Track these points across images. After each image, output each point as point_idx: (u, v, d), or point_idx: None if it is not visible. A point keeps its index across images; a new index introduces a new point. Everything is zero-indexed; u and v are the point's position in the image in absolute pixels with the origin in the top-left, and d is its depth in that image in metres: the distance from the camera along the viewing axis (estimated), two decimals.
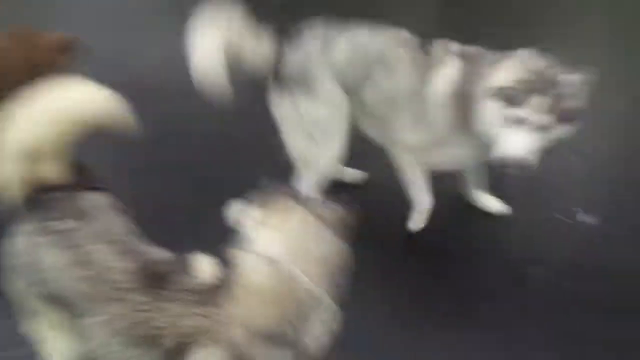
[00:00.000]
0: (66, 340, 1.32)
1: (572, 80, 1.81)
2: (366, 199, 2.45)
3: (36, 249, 1.16)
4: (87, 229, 1.14)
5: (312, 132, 2.23)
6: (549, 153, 2.00)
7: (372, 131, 2.46)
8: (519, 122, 1.82)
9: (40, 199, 1.18)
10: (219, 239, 1.31)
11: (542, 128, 1.82)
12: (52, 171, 1.22)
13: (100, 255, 1.11)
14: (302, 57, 2.19)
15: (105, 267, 1.10)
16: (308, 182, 2.34)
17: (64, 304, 1.18)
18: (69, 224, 1.15)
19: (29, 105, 1.16)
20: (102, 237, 1.14)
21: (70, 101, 1.22)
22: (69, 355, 1.37)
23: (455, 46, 2.11)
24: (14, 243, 1.20)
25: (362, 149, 2.59)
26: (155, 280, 1.09)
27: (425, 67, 2.06)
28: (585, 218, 2.71)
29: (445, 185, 2.66)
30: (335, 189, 2.50)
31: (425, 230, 2.62)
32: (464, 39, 2.19)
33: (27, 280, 1.22)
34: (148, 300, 1.06)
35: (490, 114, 1.87)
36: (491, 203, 2.72)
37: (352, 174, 2.80)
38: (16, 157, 1.15)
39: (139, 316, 1.06)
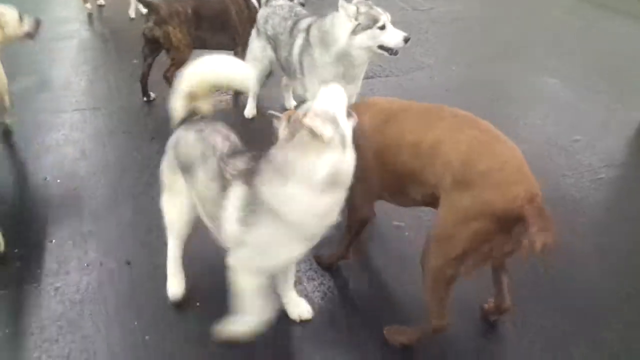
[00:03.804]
0: (185, 205, 1.98)
1: None
2: None
3: (181, 134, 1.96)
4: (209, 128, 1.92)
5: None
6: None
7: None
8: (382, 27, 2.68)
9: (191, 119, 2.00)
10: None
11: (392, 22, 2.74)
12: (201, 106, 2.02)
13: (212, 138, 1.87)
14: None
15: (213, 144, 1.84)
16: None
17: (187, 171, 1.89)
18: (201, 125, 1.95)
19: (194, 67, 1.95)
20: (215, 132, 1.90)
21: (218, 69, 1.98)
22: (187, 220, 2.03)
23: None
24: (175, 135, 1.99)
25: None
26: (234, 153, 1.82)
27: None
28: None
29: None
30: None
31: None
32: None
33: (174, 154, 1.96)
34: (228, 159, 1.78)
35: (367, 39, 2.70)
36: None
37: None
38: (183, 95, 1.96)
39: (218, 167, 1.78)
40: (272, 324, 1.85)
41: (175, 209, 2.04)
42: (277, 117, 1.65)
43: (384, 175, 1.94)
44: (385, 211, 2.70)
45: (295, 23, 3.00)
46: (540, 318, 2.18)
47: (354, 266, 2.38)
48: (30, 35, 3.18)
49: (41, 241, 2.42)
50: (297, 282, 2.25)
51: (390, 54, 2.74)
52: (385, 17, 2.68)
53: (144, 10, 5.07)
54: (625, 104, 3.99)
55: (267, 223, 1.61)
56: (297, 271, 2.29)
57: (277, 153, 1.60)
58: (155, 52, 3.64)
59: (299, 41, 2.91)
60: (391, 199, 2.09)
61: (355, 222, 2.16)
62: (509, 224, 1.63)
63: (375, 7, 2.70)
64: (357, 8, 2.66)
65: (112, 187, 2.82)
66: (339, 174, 1.55)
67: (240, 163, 1.74)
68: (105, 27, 5.18)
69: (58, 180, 2.84)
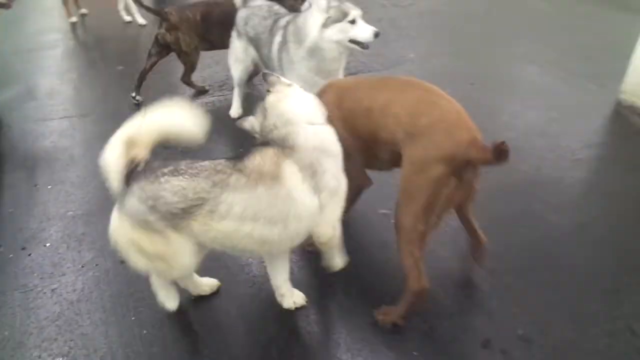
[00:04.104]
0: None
1: None
2: None
3: (154, 191, 1.72)
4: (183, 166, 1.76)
5: None
6: None
7: None
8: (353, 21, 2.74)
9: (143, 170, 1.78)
10: None
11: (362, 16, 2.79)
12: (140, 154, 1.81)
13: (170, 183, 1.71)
14: None
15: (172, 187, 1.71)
16: None
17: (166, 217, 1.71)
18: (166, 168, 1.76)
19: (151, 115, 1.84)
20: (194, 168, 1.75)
21: (169, 120, 1.86)
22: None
23: None
24: (135, 199, 1.74)
25: None
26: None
27: None
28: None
29: None
30: None
31: None
32: None
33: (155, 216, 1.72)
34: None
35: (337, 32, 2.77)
36: None
37: None
38: (121, 143, 1.80)
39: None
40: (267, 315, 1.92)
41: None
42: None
43: (355, 143, 2.11)
44: (371, 199, 2.78)
45: (275, 22, 3.07)
46: (523, 291, 2.26)
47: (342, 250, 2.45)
48: (5, 5, 3.25)
49: (36, 245, 2.47)
50: (290, 272, 2.32)
51: (362, 48, 2.81)
52: (355, 12, 2.75)
53: (140, 20, 5.16)
54: (601, 87, 4.09)
55: None
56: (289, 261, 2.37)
57: None
58: (162, 55, 3.81)
59: (277, 38, 2.98)
60: (370, 164, 2.27)
61: (352, 189, 2.17)
62: (460, 165, 1.86)
63: (347, 2, 2.78)
64: (328, 2, 2.73)
65: (102, 190, 2.83)
66: None
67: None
68: (89, 35, 5.23)
69: (49, 187, 2.89)
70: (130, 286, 2.23)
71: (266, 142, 1.82)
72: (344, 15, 2.74)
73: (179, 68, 4.33)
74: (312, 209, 1.80)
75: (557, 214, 2.74)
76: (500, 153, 1.76)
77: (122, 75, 4.34)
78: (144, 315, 2.10)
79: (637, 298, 2.24)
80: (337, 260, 2.13)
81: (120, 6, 5.45)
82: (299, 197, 1.76)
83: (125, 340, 1.99)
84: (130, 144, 1.78)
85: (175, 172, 1.70)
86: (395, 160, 2.06)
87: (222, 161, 1.76)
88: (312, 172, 1.79)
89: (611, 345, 2.04)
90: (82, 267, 2.34)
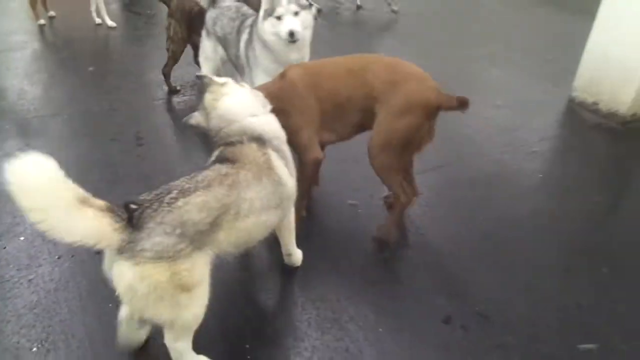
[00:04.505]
0: None
1: None
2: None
3: None
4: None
5: None
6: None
7: None
8: (279, 17, 2.74)
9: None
10: None
11: (295, 14, 2.74)
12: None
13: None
14: None
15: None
16: None
17: (194, 239, 1.62)
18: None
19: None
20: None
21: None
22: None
23: None
24: None
25: None
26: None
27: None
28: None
29: None
30: None
31: None
32: None
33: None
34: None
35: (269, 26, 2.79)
36: None
37: None
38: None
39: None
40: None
41: None
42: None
43: (326, 110, 2.36)
44: (340, 191, 2.92)
45: (242, 22, 3.16)
46: (481, 272, 2.42)
47: (314, 239, 2.57)
48: None
49: (11, 239, 2.50)
50: (263, 278, 2.44)
51: (289, 42, 2.75)
52: (284, 9, 2.72)
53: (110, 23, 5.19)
54: (555, 85, 4.33)
55: None
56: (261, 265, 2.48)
57: None
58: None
59: (244, 36, 3.07)
60: (332, 133, 2.47)
61: (309, 164, 2.43)
62: (432, 110, 2.28)
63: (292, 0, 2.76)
64: None
65: (78, 184, 2.91)
66: None
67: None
68: (58, 37, 5.23)
69: None
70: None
71: (230, 142, 1.90)
72: (272, 10, 2.75)
73: (152, 68, 4.40)
74: (294, 189, 2.02)
75: (514, 202, 2.93)
76: (463, 102, 2.25)
77: (93, 75, 4.37)
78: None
79: (584, 277, 2.43)
80: (298, 254, 2.37)
81: (92, 8, 5.46)
82: (287, 181, 1.95)
83: (103, 326, 2.05)
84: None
85: (186, 192, 1.63)
86: (364, 122, 2.41)
87: (219, 165, 1.79)
88: (284, 158, 1.96)
89: (561, 319, 2.21)
90: (58, 258, 2.39)
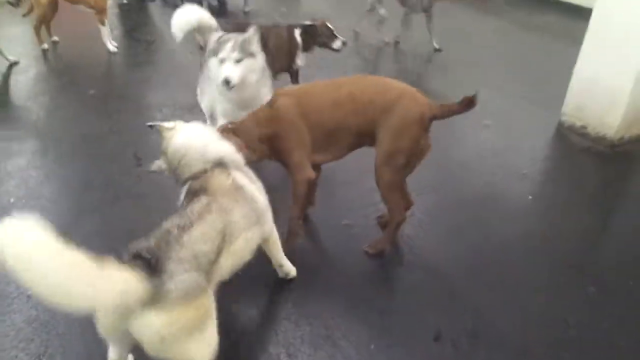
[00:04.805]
0: None
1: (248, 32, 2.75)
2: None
3: None
4: None
5: None
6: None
7: None
8: (222, 61, 2.73)
9: None
10: None
11: (237, 61, 2.72)
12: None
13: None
14: None
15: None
16: None
17: (207, 269, 1.69)
18: None
19: None
20: None
21: None
22: None
23: None
24: None
25: None
26: None
27: None
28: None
29: None
30: None
31: None
32: None
33: None
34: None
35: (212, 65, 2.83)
36: None
37: None
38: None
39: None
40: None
41: None
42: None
43: (316, 137, 2.47)
44: (334, 212, 2.99)
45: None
46: (471, 290, 2.48)
47: (309, 258, 2.63)
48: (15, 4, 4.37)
49: None
50: (257, 294, 2.48)
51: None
52: (225, 55, 2.69)
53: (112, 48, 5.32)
54: (545, 110, 4.44)
55: None
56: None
57: None
58: None
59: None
60: (325, 154, 2.56)
61: (302, 183, 2.49)
62: (426, 124, 2.41)
63: (239, 43, 2.70)
64: (221, 35, 2.88)
65: (77, 203, 2.99)
66: None
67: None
68: (60, 62, 5.34)
69: (23, 201, 2.98)
70: None
71: (194, 175, 1.95)
72: (215, 52, 2.75)
73: (151, 91, 4.50)
74: (266, 203, 2.09)
75: (504, 222, 3.00)
76: (468, 103, 2.38)
77: (94, 99, 4.47)
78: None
79: (570, 294, 2.50)
80: (289, 264, 2.45)
81: (105, 35, 5.59)
82: (257, 197, 2.03)
83: (100, 340, 2.07)
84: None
85: (185, 227, 1.65)
86: (357, 144, 2.56)
87: (196, 198, 1.81)
88: (248, 177, 2.05)
89: (549, 335, 2.26)
90: None
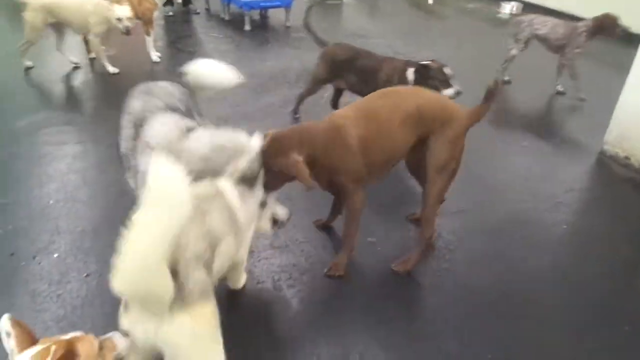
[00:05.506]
0: None
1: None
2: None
3: None
4: None
5: None
6: None
7: None
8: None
9: None
10: None
11: None
12: None
13: None
14: None
15: None
16: None
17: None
18: None
19: None
20: None
21: None
22: None
23: None
24: None
25: None
26: None
27: None
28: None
29: None
30: None
31: None
32: None
33: None
34: None
35: None
36: None
37: None
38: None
39: None
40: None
41: None
42: None
43: (373, 164, 2.46)
44: (360, 229, 2.97)
45: None
46: (494, 321, 2.42)
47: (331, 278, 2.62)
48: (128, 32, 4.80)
49: (46, 256, 2.66)
50: (278, 289, 2.50)
51: None
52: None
53: (155, 58, 5.52)
54: (587, 137, 4.32)
55: None
56: (277, 280, 2.55)
57: None
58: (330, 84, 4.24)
59: None
60: (373, 178, 2.58)
61: (357, 207, 2.53)
62: (466, 132, 2.56)
63: None
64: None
65: (110, 208, 3.08)
66: None
67: None
68: (105, 70, 5.54)
69: (61, 204, 3.10)
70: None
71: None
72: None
73: None
74: (246, 226, 2.10)
75: (534, 251, 2.92)
76: (491, 94, 2.51)
77: None
78: None
79: (600, 334, 2.39)
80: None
81: (150, 46, 5.83)
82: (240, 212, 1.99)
83: None
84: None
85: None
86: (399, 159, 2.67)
87: None
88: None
89: None
90: (87, 276, 2.52)
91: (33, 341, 1.39)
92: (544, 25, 5.12)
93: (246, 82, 5.04)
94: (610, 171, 3.94)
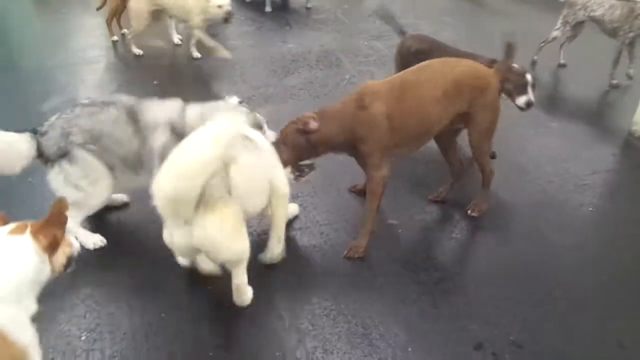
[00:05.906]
0: None
1: None
2: None
3: None
4: None
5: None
6: None
7: None
8: None
9: None
10: None
11: None
12: None
13: None
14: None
15: None
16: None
17: None
18: None
19: None
20: None
21: None
22: None
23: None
24: None
25: None
26: None
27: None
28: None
29: None
30: None
31: None
32: None
33: None
34: None
35: None
36: None
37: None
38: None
39: None
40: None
41: None
42: None
43: (404, 139, 2.57)
44: (381, 211, 2.96)
45: None
46: (519, 301, 2.39)
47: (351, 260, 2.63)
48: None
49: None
50: (299, 269, 2.52)
51: None
52: None
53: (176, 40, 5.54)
54: (614, 118, 4.22)
55: None
56: (298, 259, 2.56)
57: None
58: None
59: None
60: (405, 149, 2.72)
61: (379, 183, 2.54)
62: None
63: None
64: None
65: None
66: None
67: None
68: (128, 53, 5.58)
69: None
70: (153, 277, 2.45)
71: None
72: None
73: (212, 81, 4.61)
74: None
75: (559, 233, 2.87)
76: (510, 48, 2.77)
77: (156, 89, 4.65)
78: (164, 301, 2.31)
79: (628, 315, 2.35)
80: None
81: (172, 30, 5.86)
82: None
83: (147, 321, 2.20)
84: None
85: None
86: (453, 126, 2.77)
87: None
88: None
89: (599, 356, 2.15)
90: (114, 261, 2.57)
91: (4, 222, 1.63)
92: (601, 5, 4.90)
93: (267, 64, 5.10)
94: (637, 153, 3.84)
